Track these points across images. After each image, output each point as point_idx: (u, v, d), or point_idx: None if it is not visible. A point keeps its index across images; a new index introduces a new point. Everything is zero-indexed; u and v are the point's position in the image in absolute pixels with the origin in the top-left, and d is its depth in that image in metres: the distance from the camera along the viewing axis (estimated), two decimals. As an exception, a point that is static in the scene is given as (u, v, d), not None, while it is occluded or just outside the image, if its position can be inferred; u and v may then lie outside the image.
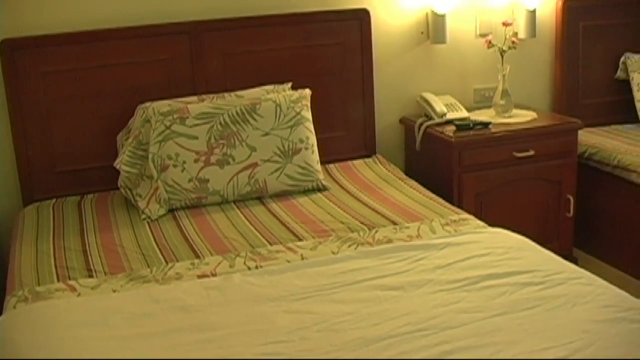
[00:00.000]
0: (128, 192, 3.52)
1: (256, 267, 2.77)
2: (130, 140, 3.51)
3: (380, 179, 3.81)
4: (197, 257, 2.92)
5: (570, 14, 4.63)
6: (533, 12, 4.43)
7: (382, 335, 2.23)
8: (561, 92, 4.71)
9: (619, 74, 4.77)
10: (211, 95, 3.70)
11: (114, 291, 2.64)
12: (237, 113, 3.50)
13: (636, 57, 4.69)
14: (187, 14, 3.84)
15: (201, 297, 2.54)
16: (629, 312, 2.33)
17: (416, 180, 3.80)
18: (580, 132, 4.20)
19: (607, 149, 4.29)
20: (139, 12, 3.78)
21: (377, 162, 4.09)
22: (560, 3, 4.61)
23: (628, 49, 4.78)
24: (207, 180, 3.43)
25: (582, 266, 3.67)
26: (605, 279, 2.67)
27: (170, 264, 2.84)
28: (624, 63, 4.73)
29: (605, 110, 4.82)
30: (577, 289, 2.49)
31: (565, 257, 3.12)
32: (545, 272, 2.61)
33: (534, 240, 3.00)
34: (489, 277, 2.59)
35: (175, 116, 3.45)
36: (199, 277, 2.71)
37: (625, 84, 4.73)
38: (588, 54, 4.74)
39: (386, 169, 3.97)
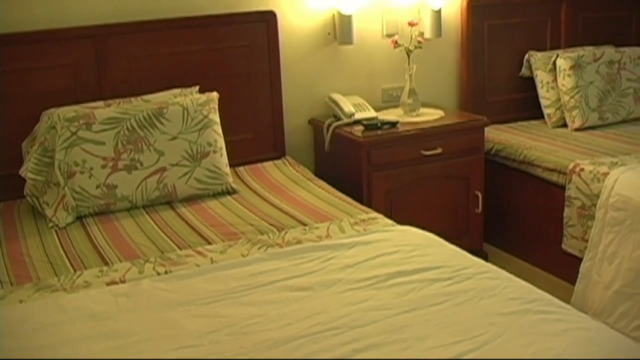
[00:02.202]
0: (35, 200, 3.45)
1: (165, 273, 2.74)
2: (35, 147, 3.45)
3: (290, 180, 3.82)
4: (106, 264, 2.88)
5: (475, 13, 4.71)
6: (438, 12, 4.50)
7: (292, 335, 2.23)
8: (468, 90, 4.79)
9: (524, 71, 4.87)
10: (118, 100, 3.66)
11: (21, 302, 2.57)
12: (144, 117, 3.47)
13: (539, 54, 4.80)
14: (92, 18, 3.78)
15: (110, 304, 2.50)
16: (533, 303, 2.39)
17: (326, 181, 3.81)
18: (486, 129, 4.28)
19: (513, 145, 4.39)
20: (42, 16, 3.71)
21: (287, 163, 4.09)
22: (465, 3, 4.69)
23: (532, 47, 4.89)
24: (115, 186, 3.39)
25: (492, 260, 3.75)
26: (514, 272, 2.73)
27: (78, 272, 2.79)
28: (528, 61, 4.84)
29: (511, 107, 4.92)
30: (484, 283, 2.53)
31: (476, 253, 3.18)
32: (452, 268, 2.64)
33: (444, 236, 3.03)
34: (398, 274, 2.61)
35: (81, 122, 3.40)
36: (108, 284, 2.67)
37: (530, 81, 4.84)
38: (493, 52, 4.83)
39: (296, 170, 3.98)
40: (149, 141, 3.46)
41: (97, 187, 3.37)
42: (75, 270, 2.83)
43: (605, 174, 3.71)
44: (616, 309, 3.56)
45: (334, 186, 3.72)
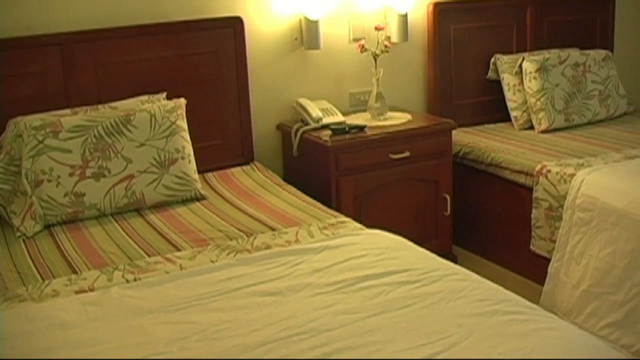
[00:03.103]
0: (2, 209, 3.42)
1: (134, 280, 2.73)
2: (2, 156, 3.43)
3: (259, 185, 3.82)
4: (75, 272, 2.86)
5: (441, 17, 4.73)
6: (405, 16, 4.52)
7: (262, 341, 2.24)
8: (435, 93, 4.81)
9: (490, 74, 4.90)
10: (85, 108, 3.64)
11: (-12, 312, 2.56)
12: (111, 125, 3.46)
13: (505, 57, 4.83)
14: (58, 25, 3.76)
15: (78, 313, 2.49)
16: (501, 304, 2.41)
17: (295, 186, 3.82)
18: (454, 132, 4.30)
19: (481, 147, 4.41)
20: (7, 23, 3.68)
21: (255, 169, 4.09)
22: (431, 7, 4.71)
23: (498, 50, 4.92)
24: (83, 194, 3.38)
25: (461, 263, 3.76)
26: (483, 273, 2.75)
27: (46, 281, 2.77)
28: (495, 64, 4.87)
29: (478, 110, 4.95)
30: (452, 285, 2.55)
31: (445, 255, 3.20)
32: (421, 271, 2.66)
33: (413, 240, 3.05)
34: (366, 278, 2.63)
35: (48, 130, 3.38)
36: (77, 292, 2.66)
37: (497, 84, 4.87)
38: (460, 56, 4.86)
39: (264, 175, 3.98)
40: (116, 148, 3.45)
41: (65, 195, 3.35)
42: (43, 280, 2.81)
43: (572, 175, 3.75)
44: (584, 308, 3.59)
45: (302, 191, 3.73)
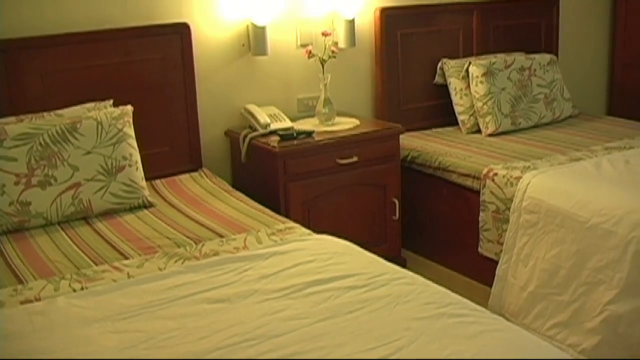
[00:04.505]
0: (-54, 219, 3.38)
1: (82, 289, 2.71)
2: (-55, 165, 3.38)
3: (207, 192, 3.80)
4: (20, 282, 2.82)
5: (388, 22, 4.76)
6: (352, 21, 4.54)
7: (209, 348, 2.23)
8: (382, 98, 4.83)
9: (437, 79, 4.94)
10: (30, 115, 3.59)
11: None
12: (57, 132, 3.43)
13: (452, 62, 4.88)
14: (2, 32, 3.71)
15: (24, 323, 2.46)
16: (448, 307, 2.43)
17: (244, 192, 3.81)
18: (402, 136, 4.33)
19: (429, 151, 4.44)
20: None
21: (204, 175, 4.08)
22: (378, 12, 4.73)
23: (445, 55, 4.97)
24: (29, 203, 3.34)
25: (410, 266, 3.79)
26: (432, 277, 2.78)
27: (-9, 292, 2.75)
28: (442, 68, 4.91)
29: (426, 114, 4.99)
30: (399, 289, 2.57)
31: (394, 259, 3.21)
32: (368, 275, 2.67)
33: (362, 244, 3.06)
34: (314, 283, 2.63)
35: (-8, 138, 3.35)
36: (22, 303, 2.62)
37: (444, 89, 4.91)
38: (407, 61, 4.89)
39: (212, 182, 3.97)
40: (62, 156, 3.41)
41: (10, 204, 3.31)
42: (-12, 290, 2.77)
43: (518, 178, 3.79)
44: (532, 309, 3.64)
45: (251, 197, 3.72)
